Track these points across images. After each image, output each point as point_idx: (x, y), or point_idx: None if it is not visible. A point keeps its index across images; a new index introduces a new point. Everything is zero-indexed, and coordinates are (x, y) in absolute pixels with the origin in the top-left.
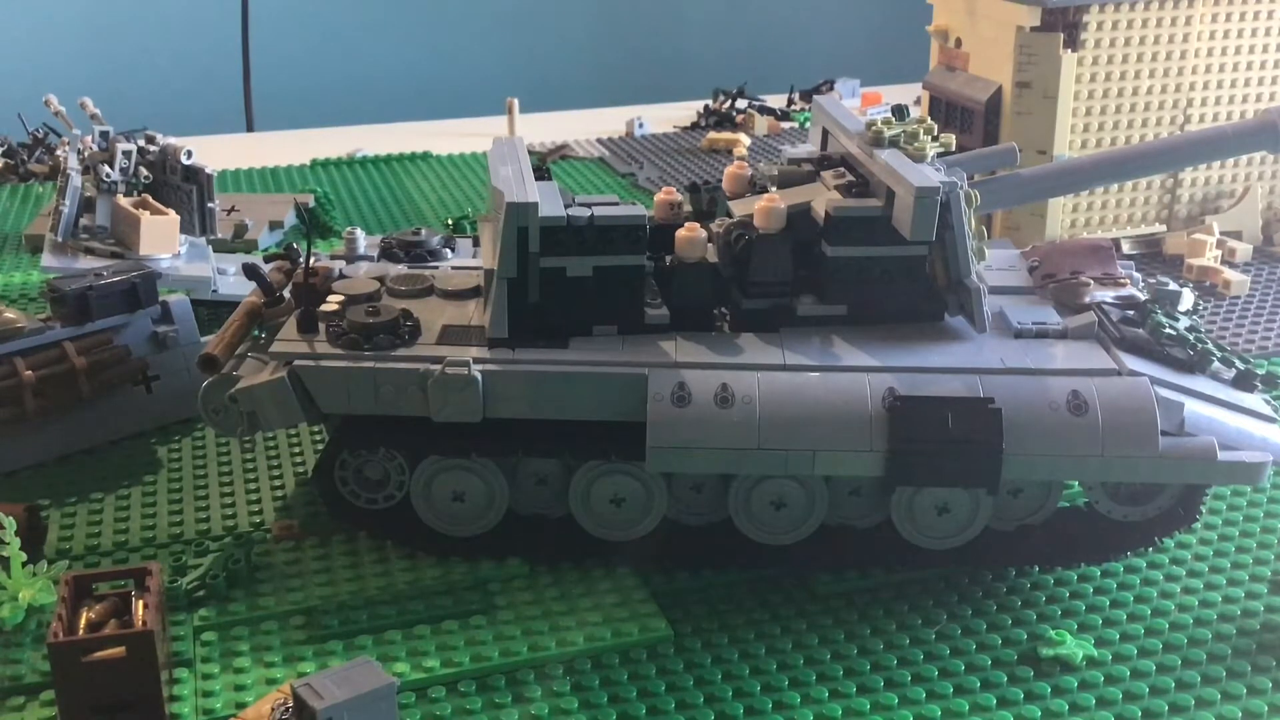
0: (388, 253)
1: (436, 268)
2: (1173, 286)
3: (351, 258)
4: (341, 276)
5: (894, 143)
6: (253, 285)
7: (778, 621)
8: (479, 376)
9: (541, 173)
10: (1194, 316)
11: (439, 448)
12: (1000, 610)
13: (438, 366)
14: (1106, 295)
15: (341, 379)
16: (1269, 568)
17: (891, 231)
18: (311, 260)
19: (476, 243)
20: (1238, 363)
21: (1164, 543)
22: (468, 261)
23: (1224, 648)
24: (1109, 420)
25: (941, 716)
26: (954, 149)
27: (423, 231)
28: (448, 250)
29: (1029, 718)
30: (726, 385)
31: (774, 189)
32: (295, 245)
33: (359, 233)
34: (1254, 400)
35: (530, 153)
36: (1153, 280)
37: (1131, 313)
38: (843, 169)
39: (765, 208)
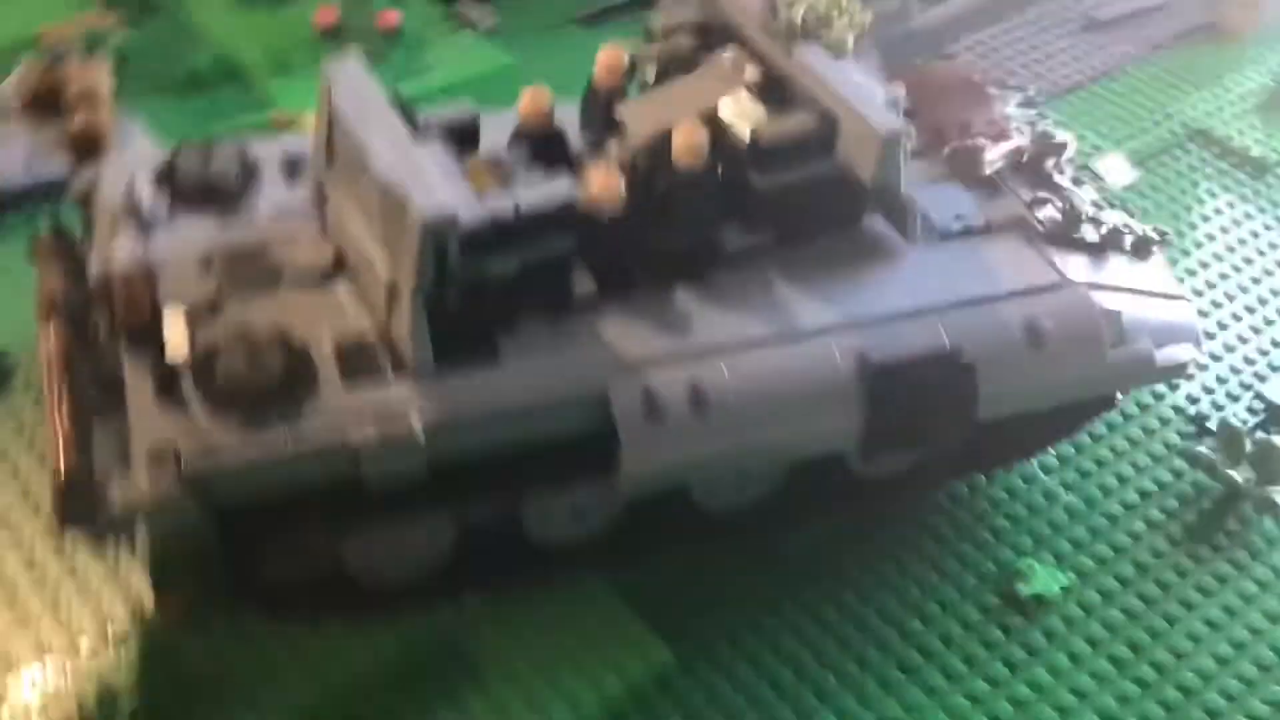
0: (176, 189)
1: (252, 219)
2: (1058, 136)
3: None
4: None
5: (805, 30)
6: None
7: (785, 627)
8: (421, 432)
9: (409, 115)
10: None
11: (373, 514)
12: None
13: (370, 430)
14: (998, 155)
15: (252, 471)
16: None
17: (823, 145)
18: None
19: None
20: (1135, 226)
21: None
22: (284, 195)
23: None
24: (1061, 346)
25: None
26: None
27: (215, 153)
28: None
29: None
30: (696, 385)
31: (650, 74)
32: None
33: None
34: (1156, 269)
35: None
36: (1032, 125)
37: (1047, 198)
38: (739, 52)
39: (687, 143)
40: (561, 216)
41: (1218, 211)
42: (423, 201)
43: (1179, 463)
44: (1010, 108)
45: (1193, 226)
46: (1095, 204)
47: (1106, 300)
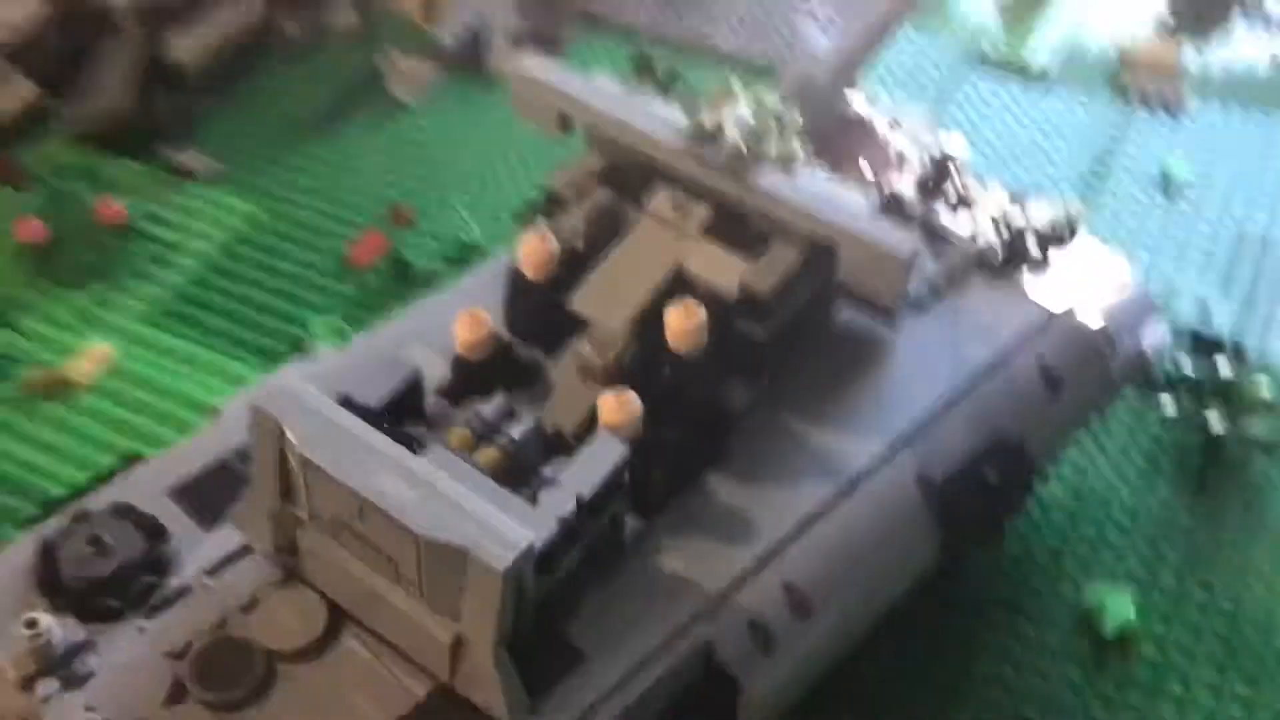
0: (79, 604)
1: (189, 598)
2: (941, 153)
3: None
4: None
5: (749, 151)
6: None
7: None
8: None
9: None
10: None
11: None
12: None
13: None
14: (911, 189)
15: None
16: None
17: (812, 275)
18: None
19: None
20: (1054, 209)
21: None
22: (203, 545)
23: None
24: (1075, 382)
25: None
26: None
27: (98, 528)
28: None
29: None
30: (792, 587)
31: (580, 245)
32: None
33: None
34: (1088, 247)
35: None
36: (919, 148)
37: (980, 227)
38: (674, 192)
39: (686, 328)
40: (617, 481)
41: (1035, 143)
42: (492, 549)
43: (1152, 423)
44: (878, 123)
45: (1029, 170)
46: (1013, 199)
47: (1089, 316)
